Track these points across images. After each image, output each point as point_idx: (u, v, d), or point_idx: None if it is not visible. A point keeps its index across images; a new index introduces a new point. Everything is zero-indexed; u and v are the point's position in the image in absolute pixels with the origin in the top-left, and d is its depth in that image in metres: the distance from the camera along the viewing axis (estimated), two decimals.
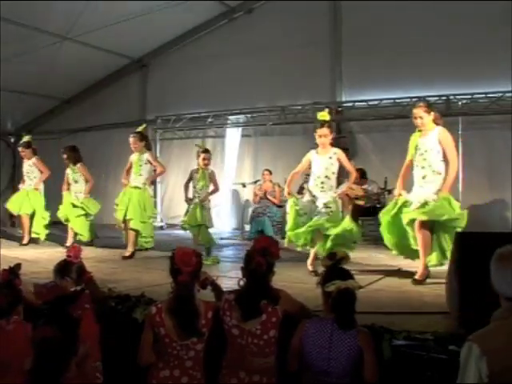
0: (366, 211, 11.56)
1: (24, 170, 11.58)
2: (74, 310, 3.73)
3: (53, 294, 3.74)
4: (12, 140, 17.70)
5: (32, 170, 11.44)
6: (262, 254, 3.96)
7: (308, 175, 12.10)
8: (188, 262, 3.85)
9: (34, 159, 11.44)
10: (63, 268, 4.53)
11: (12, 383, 3.83)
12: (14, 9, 11.41)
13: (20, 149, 11.74)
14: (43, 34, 12.90)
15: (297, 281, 6.62)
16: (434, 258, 6.74)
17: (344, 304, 3.71)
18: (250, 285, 3.97)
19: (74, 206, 10.64)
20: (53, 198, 11.47)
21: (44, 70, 13.79)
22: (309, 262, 7.66)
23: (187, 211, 9.25)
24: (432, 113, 6.92)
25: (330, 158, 7.74)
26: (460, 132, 10.93)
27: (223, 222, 14.29)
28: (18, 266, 4.46)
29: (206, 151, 9.59)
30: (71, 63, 14.08)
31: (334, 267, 3.92)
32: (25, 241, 11.14)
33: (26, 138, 11.81)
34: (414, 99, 11.76)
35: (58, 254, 4.88)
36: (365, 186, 11.82)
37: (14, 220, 15.76)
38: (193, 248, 4.11)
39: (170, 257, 3.92)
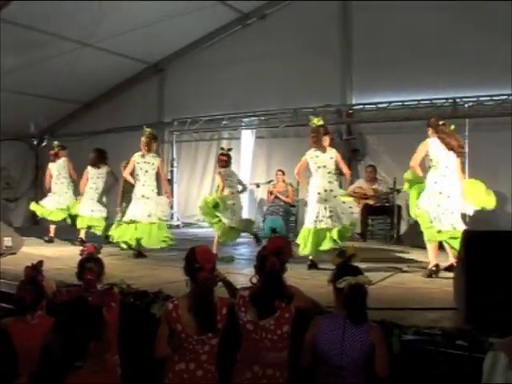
0: (376, 210, 11.85)
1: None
2: (99, 302, 4.03)
3: (71, 295, 3.98)
4: (35, 142, 18.14)
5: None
6: (275, 253, 4.10)
7: None
8: (209, 259, 4.02)
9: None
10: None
11: None
12: (37, 17, 11.84)
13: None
14: (65, 40, 13.29)
15: (308, 277, 6.77)
16: None
17: (355, 299, 3.80)
18: (265, 285, 4.06)
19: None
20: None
21: (65, 75, 14.06)
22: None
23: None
24: None
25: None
26: (467, 134, 11.04)
27: None
28: (41, 262, 4.59)
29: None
30: (91, 68, 14.42)
31: (345, 264, 4.01)
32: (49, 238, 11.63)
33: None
34: (421, 102, 12.13)
35: (77, 251, 5.06)
36: (375, 186, 12.07)
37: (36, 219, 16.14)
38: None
39: (188, 255, 4.07)
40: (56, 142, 12.38)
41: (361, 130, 13.33)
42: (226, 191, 9.54)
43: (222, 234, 9.39)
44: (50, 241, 11.50)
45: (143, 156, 9.63)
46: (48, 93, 15.30)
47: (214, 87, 14.95)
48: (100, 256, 4.84)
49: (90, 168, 11.31)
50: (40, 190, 17.93)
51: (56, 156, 12.01)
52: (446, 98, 11.95)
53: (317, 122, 8.44)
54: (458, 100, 11.89)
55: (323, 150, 8.24)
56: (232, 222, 9.38)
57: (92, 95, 17.19)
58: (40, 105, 15.65)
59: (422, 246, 9.79)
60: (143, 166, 9.60)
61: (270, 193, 13.03)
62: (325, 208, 7.97)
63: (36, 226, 15.07)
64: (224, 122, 15.05)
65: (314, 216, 7.99)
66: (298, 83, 13.67)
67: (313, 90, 13.44)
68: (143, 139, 9.70)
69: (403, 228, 12.06)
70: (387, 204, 11.76)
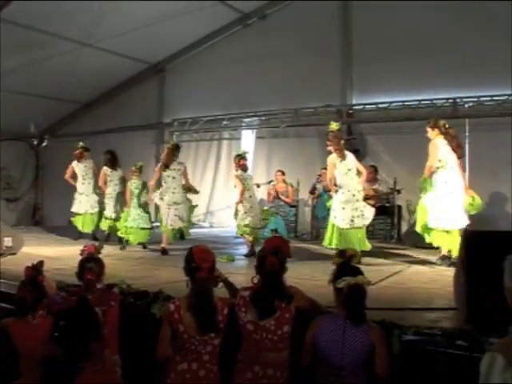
0: (376, 210, 11.83)
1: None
2: (100, 303, 4.04)
3: (65, 304, 3.99)
4: (35, 142, 18.16)
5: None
6: (273, 253, 4.10)
7: (320, 175, 12.53)
8: (207, 259, 4.01)
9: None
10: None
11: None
12: (37, 17, 11.86)
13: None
14: (65, 40, 13.32)
15: (308, 278, 6.75)
16: None
17: (354, 300, 3.82)
18: (265, 285, 4.05)
19: None
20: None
21: (65, 76, 14.10)
22: None
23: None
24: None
25: None
26: (467, 134, 11.14)
27: None
28: (41, 263, 4.57)
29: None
30: (91, 68, 14.44)
31: (345, 264, 4.02)
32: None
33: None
34: (422, 102, 12.14)
35: (77, 251, 5.04)
36: (375, 186, 12.06)
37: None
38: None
39: (187, 255, 4.07)
40: (81, 143, 12.38)
41: (361, 130, 13.35)
42: (246, 194, 9.78)
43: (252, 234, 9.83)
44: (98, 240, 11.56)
45: (168, 166, 10.01)
46: (48, 93, 15.33)
47: (214, 87, 14.97)
48: (100, 256, 4.81)
49: (108, 170, 11.55)
50: (40, 190, 18.06)
51: (81, 157, 12.09)
52: (447, 98, 11.98)
53: (335, 126, 8.78)
54: (458, 100, 11.91)
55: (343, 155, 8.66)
56: (257, 224, 9.92)
57: (92, 95, 17.22)
58: (40, 105, 15.68)
59: (422, 246, 9.88)
60: (170, 173, 10.01)
61: (270, 193, 13.04)
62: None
63: (35, 227, 15.08)
64: (224, 123, 15.07)
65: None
66: (298, 83, 13.70)
67: (313, 90, 13.48)
68: (168, 150, 10.20)
69: (404, 228, 12.10)
70: (387, 204, 11.78)
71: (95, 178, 11.97)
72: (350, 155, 8.73)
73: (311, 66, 13.57)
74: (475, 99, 11.75)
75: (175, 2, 12.67)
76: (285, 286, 4.11)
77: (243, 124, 15.09)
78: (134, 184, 10.88)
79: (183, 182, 10.18)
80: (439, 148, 8.05)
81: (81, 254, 4.79)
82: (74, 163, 12.09)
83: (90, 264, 4.65)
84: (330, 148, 8.69)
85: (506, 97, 11.39)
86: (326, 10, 13.52)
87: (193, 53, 15.86)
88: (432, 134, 8.28)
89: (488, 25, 11.46)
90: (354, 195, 8.60)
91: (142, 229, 10.69)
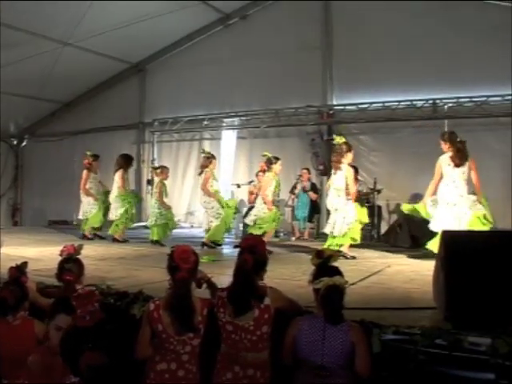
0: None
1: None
2: (84, 310, 3.96)
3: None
4: (15, 142, 18.00)
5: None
6: (250, 252, 4.07)
7: (300, 175, 12.60)
8: (187, 260, 3.95)
9: None
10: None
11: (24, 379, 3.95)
12: (17, 15, 11.72)
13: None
14: (45, 39, 13.25)
15: (289, 278, 6.72)
16: None
17: (331, 300, 3.82)
18: (236, 281, 4.02)
19: None
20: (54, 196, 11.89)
21: (45, 75, 14.06)
22: None
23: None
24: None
25: None
26: None
27: None
28: (25, 263, 4.54)
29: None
30: (72, 68, 14.36)
31: (323, 265, 4.02)
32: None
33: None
34: (402, 103, 12.24)
35: (59, 252, 4.97)
36: (356, 187, 12.11)
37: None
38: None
39: (169, 254, 4.02)
40: (89, 152, 12.27)
41: (341, 131, 13.30)
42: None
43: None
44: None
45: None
46: (28, 92, 15.24)
47: (194, 87, 14.97)
48: (80, 257, 4.80)
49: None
50: (20, 191, 17.92)
51: (90, 165, 12.09)
52: (426, 99, 12.11)
53: (340, 140, 9.00)
54: (437, 101, 12.08)
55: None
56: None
57: (72, 95, 17.14)
58: (20, 104, 15.59)
59: (401, 246, 9.93)
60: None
61: (251, 193, 13.05)
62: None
63: (16, 227, 14.96)
64: (205, 123, 15.11)
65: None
66: (279, 84, 13.76)
67: (294, 91, 13.56)
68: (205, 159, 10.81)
69: (383, 228, 12.16)
70: (368, 204, 11.80)
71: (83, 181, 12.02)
72: (339, 174, 8.96)
73: (292, 66, 13.63)
74: (454, 100, 11.89)
75: (156, 1, 12.65)
76: (257, 284, 4.06)
77: (224, 124, 15.11)
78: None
79: None
80: (442, 166, 8.30)
81: (60, 255, 4.77)
82: (86, 172, 12.08)
83: (69, 265, 4.64)
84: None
85: (485, 98, 11.54)
86: (307, 11, 13.60)
87: (174, 53, 15.86)
88: (444, 147, 8.46)
89: (466, 28, 11.62)
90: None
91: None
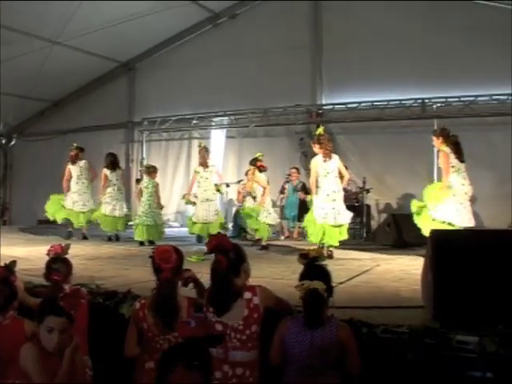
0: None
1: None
2: (70, 306, 3.97)
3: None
4: (3, 141, 17.92)
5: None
6: (220, 252, 4.02)
7: (289, 175, 12.61)
8: (168, 259, 3.94)
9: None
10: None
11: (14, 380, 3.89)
12: (6, 14, 11.64)
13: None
14: (34, 38, 13.19)
15: (278, 277, 6.71)
16: None
17: (310, 303, 3.84)
18: (213, 283, 4.03)
19: None
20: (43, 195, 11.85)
21: (34, 74, 13.99)
22: None
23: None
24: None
25: None
26: None
27: None
28: (14, 262, 4.49)
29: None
30: (61, 67, 14.33)
31: (308, 266, 4.03)
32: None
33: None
34: (391, 102, 12.28)
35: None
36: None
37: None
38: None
39: (151, 256, 4.02)
40: (74, 144, 12.22)
41: (330, 130, 13.31)
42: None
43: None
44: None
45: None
46: (17, 91, 15.18)
47: (184, 86, 14.95)
48: (69, 256, 4.75)
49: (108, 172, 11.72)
50: (9, 190, 17.85)
51: (76, 157, 11.98)
52: (415, 99, 12.18)
53: (322, 131, 9.10)
54: (426, 101, 12.15)
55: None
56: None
57: (61, 94, 17.07)
58: (9, 103, 15.45)
59: (390, 245, 9.97)
60: (204, 174, 10.99)
61: (240, 193, 13.03)
62: None
63: (4, 227, 14.88)
64: (194, 122, 15.11)
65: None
66: (268, 83, 13.76)
67: (283, 90, 13.56)
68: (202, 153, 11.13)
69: (373, 227, 12.20)
70: (357, 204, 11.85)
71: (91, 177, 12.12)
72: (334, 158, 8.96)
73: (281, 65, 13.61)
74: (443, 100, 11.95)
75: (145, 1, 12.66)
76: (234, 284, 4.01)
77: (213, 123, 15.13)
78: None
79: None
80: (450, 156, 8.43)
81: (47, 255, 4.72)
82: (70, 166, 11.99)
83: (57, 265, 4.59)
84: (317, 150, 8.91)
85: (474, 98, 11.62)
86: (297, 11, 13.65)
87: (163, 51, 15.83)
88: (436, 142, 8.66)
89: (455, 28, 11.71)
90: (328, 195, 8.84)
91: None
